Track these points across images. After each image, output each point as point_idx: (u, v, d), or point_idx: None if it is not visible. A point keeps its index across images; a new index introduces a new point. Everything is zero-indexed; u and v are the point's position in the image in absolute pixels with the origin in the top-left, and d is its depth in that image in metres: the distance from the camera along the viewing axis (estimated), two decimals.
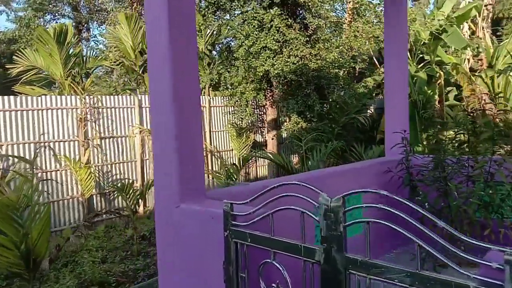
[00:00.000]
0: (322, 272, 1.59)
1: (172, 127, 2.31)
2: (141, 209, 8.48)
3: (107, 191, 8.43)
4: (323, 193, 1.60)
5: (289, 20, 8.46)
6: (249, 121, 10.21)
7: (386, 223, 1.45)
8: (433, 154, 4.13)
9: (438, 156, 3.92)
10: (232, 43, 10.77)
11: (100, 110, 8.49)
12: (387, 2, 4.71)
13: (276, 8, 8.59)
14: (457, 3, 11.66)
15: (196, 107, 2.47)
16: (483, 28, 11.49)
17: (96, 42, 26.78)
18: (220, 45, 15.06)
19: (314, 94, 8.45)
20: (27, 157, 7.45)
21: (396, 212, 1.41)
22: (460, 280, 1.24)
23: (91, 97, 8.46)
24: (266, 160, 9.74)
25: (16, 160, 7.12)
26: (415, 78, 10.69)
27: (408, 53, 11.98)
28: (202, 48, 14.48)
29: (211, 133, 10.72)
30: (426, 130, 9.26)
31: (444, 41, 10.24)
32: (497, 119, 6.48)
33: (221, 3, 9.44)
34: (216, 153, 10.75)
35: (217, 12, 10.34)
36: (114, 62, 11.99)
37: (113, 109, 8.76)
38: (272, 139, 9.66)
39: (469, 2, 10.60)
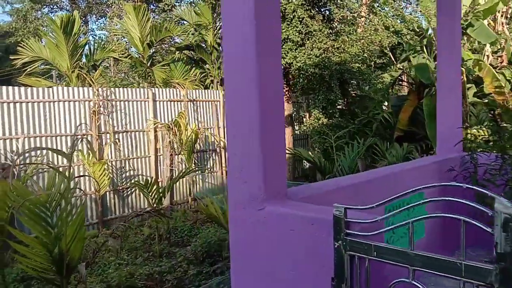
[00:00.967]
0: None
1: (256, 126, 1.96)
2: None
3: (121, 187, 8.05)
4: (500, 197, 1.26)
5: (312, 10, 8.11)
6: None
7: None
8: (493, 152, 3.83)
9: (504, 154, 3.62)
10: None
11: (113, 103, 8.10)
12: None
13: None
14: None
15: (279, 104, 2.12)
16: (502, 24, 11.20)
17: (94, 36, 26.31)
18: None
19: (337, 88, 8.12)
20: (38, 151, 7.06)
21: None
22: None
23: (104, 89, 8.07)
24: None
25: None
26: (434, 75, 10.38)
27: (425, 49, 11.74)
28: (210, 41, 14.10)
29: (225, 128, 10.37)
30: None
31: (465, 37, 9.95)
32: None
33: None
34: None
35: None
36: (122, 54, 11.56)
37: (126, 102, 8.38)
38: (292, 135, 9.33)
39: None
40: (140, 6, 12.76)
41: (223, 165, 9.78)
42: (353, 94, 8.83)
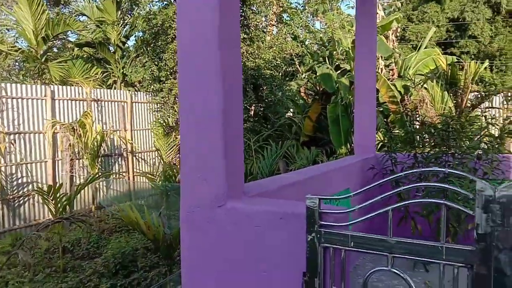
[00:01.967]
0: (477, 278, 1.31)
1: (219, 122, 1.81)
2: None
3: (11, 196, 7.04)
4: (481, 180, 1.31)
5: None
6: (176, 120, 9.55)
7: None
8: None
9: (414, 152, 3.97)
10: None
11: (4, 100, 7.09)
12: (358, 3, 4.66)
13: None
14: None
15: (240, 98, 1.99)
16: (393, 41, 12.51)
17: None
18: (135, 37, 14.00)
19: (252, 93, 8.20)
20: None
21: None
22: None
23: None
24: None
25: None
26: (337, 84, 11.14)
27: (327, 60, 12.55)
28: (114, 40, 13.27)
29: (133, 131, 9.77)
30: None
31: None
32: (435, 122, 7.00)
33: None
34: (137, 154, 9.84)
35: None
36: (12, 47, 10.24)
37: (19, 100, 7.39)
38: None
39: (389, 13, 11.45)
40: None
41: (132, 169, 9.20)
42: (266, 100, 9.03)
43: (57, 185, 5.62)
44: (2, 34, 11.24)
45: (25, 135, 7.38)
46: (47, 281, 4.85)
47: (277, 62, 8.71)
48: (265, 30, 9.86)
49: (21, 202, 7.22)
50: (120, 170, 9.12)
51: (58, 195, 5.16)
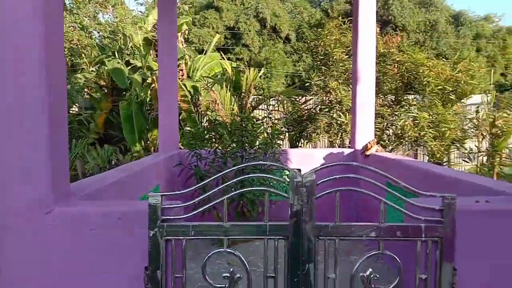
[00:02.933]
0: (291, 246, 1.69)
1: (41, 106, 1.65)
2: None
3: None
4: (294, 170, 1.69)
5: None
6: None
7: (354, 189, 1.74)
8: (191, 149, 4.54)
9: (214, 149, 4.44)
10: None
11: None
12: (159, 3, 4.79)
13: None
14: None
15: (63, 80, 1.85)
16: (182, 42, 13.12)
17: None
18: None
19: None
20: None
21: (363, 177, 1.73)
22: (413, 223, 1.69)
23: None
24: None
25: None
26: (129, 80, 10.96)
27: (117, 54, 12.14)
28: None
29: None
30: (151, 130, 9.69)
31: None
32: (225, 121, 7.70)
33: None
34: None
35: None
36: None
37: None
38: None
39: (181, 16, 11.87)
40: None
41: None
42: None
43: None
44: None
45: None
46: None
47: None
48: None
49: None
50: None
51: None
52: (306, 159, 4.74)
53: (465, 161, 7.81)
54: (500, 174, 6.94)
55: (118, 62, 10.91)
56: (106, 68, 10.62)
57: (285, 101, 8.01)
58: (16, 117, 1.66)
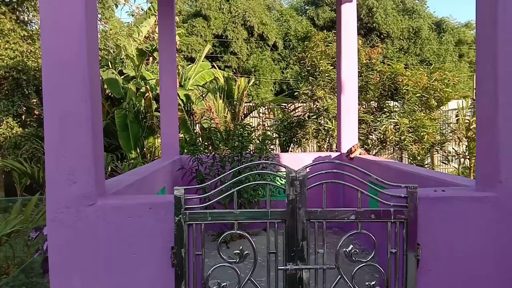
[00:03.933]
0: (288, 227, 2.12)
1: (85, 115, 2.06)
2: None
3: None
4: (289, 167, 2.13)
5: (3, 7, 7.13)
6: None
7: (338, 181, 2.19)
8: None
9: (213, 154, 4.86)
10: None
11: None
12: (159, 15, 5.21)
13: None
14: (153, 25, 13.25)
15: (98, 91, 2.26)
16: None
17: None
18: None
19: (35, 96, 7.50)
20: None
21: (345, 173, 2.18)
22: (384, 208, 2.14)
23: None
24: None
25: None
26: (124, 90, 11.32)
27: (111, 65, 12.49)
28: None
29: None
30: (147, 137, 10.06)
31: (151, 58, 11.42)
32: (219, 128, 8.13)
33: None
34: None
35: None
36: None
37: None
38: None
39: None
40: None
41: None
42: None
43: None
44: None
45: None
46: None
47: None
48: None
49: None
50: None
51: None
52: (296, 162, 5.16)
53: (443, 162, 8.35)
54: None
55: (113, 73, 11.28)
56: (101, 78, 10.98)
57: (275, 109, 8.47)
58: (66, 127, 2.06)
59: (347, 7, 5.17)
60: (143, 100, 11.33)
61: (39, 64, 7.73)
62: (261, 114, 8.97)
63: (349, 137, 5.25)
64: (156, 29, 13.20)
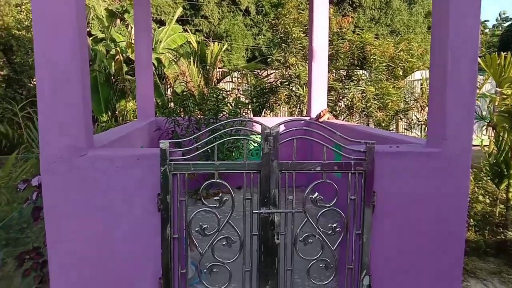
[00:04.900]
0: (262, 177, 2.40)
1: (74, 70, 2.21)
2: None
3: None
4: (264, 124, 2.39)
5: None
6: None
7: (308, 138, 2.47)
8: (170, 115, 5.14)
9: (189, 116, 5.05)
10: None
11: None
12: None
13: None
14: None
15: (86, 46, 2.40)
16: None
17: None
18: None
19: (2, 55, 7.28)
20: None
21: (314, 130, 2.45)
22: (346, 161, 2.45)
23: None
24: None
25: None
26: (93, 52, 11.10)
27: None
28: None
29: None
30: (118, 100, 10.01)
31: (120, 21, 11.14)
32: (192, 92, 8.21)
33: None
34: None
35: None
36: None
37: None
38: None
39: None
40: None
41: None
42: (20, 63, 8.14)
43: None
44: None
45: None
46: None
47: (28, 23, 7.99)
48: None
49: None
50: None
51: None
52: (269, 124, 5.45)
53: (406, 129, 8.86)
54: None
55: None
56: None
57: (248, 75, 8.64)
58: (56, 83, 2.21)
59: None
60: (113, 63, 11.17)
61: (5, 22, 7.50)
62: (234, 79, 9.11)
63: (319, 103, 5.54)
64: None
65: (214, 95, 5.16)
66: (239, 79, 9.61)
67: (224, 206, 2.40)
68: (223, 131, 2.65)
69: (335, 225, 2.47)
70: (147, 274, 2.39)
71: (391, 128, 9.14)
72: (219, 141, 2.45)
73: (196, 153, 2.41)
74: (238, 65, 17.48)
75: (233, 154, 4.93)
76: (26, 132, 5.79)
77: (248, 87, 8.35)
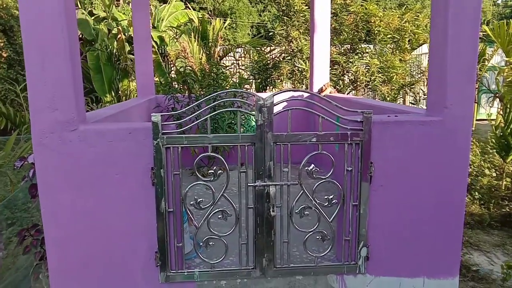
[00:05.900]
0: (257, 149, 2.36)
1: (67, 52, 2.16)
2: None
3: None
4: (258, 95, 2.33)
5: None
6: None
7: (303, 108, 2.41)
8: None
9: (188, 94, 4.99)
10: None
11: None
12: None
13: None
14: None
15: (75, 24, 2.34)
16: None
17: None
18: None
19: (2, 36, 7.23)
20: None
21: (311, 101, 2.39)
22: (343, 131, 2.39)
23: None
24: None
25: None
26: (95, 31, 10.98)
27: (80, 5, 11.98)
28: None
29: None
30: (121, 80, 9.96)
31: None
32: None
33: None
34: None
35: None
36: None
37: None
38: None
39: None
40: None
41: None
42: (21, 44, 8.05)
43: None
44: None
45: None
46: None
47: None
48: None
49: None
50: None
51: None
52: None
53: (411, 103, 8.72)
54: None
55: (83, 13, 10.86)
56: None
57: (251, 51, 8.50)
58: (44, 56, 2.17)
59: None
60: (115, 42, 11.06)
61: (4, 2, 7.41)
62: (237, 56, 8.98)
63: (321, 77, 5.43)
64: None
65: (215, 69, 5.08)
66: (241, 55, 9.47)
67: (220, 180, 2.37)
68: (217, 101, 2.60)
69: (331, 196, 2.44)
70: (143, 248, 2.39)
71: (398, 103, 9.00)
72: (214, 113, 2.40)
73: (189, 126, 2.37)
74: (243, 42, 17.25)
75: (234, 130, 4.88)
76: (28, 113, 5.77)
77: (250, 63, 8.22)
